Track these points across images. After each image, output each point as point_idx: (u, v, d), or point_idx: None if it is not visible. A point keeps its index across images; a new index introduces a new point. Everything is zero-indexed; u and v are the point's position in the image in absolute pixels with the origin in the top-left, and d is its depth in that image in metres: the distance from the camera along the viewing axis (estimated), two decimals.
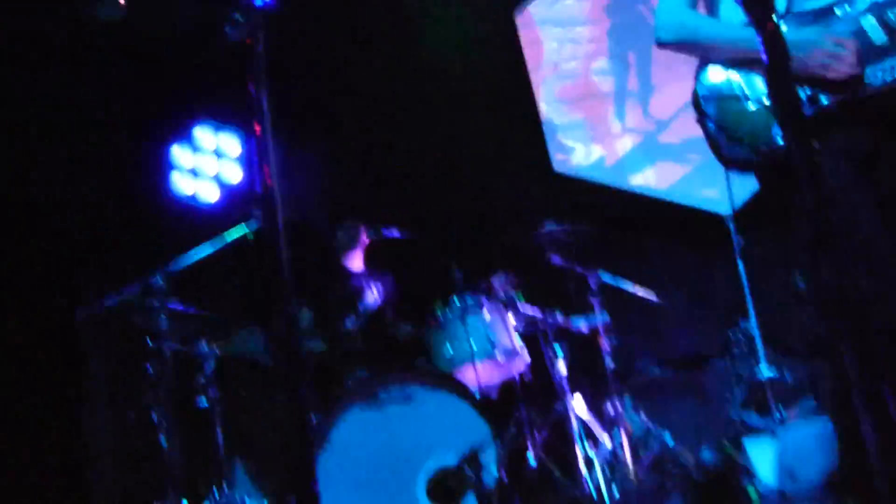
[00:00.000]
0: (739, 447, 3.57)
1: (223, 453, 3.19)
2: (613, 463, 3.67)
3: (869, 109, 2.08)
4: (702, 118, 2.30)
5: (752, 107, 2.16)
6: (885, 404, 1.50)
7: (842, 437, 2.44)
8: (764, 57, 1.37)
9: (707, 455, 3.26)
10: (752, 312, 4.61)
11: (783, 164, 2.04)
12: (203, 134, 5.11)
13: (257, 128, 2.03)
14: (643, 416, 4.01)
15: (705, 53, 2.27)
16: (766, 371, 4.27)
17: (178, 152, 5.03)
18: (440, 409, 3.29)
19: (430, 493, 3.10)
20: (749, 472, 3.19)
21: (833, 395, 2.46)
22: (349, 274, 4.26)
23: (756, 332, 4.50)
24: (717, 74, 2.23)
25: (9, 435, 4.40)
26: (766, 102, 2.13)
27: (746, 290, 4.73)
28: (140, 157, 5.03)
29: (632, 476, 3.64)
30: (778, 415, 3.99)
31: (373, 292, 4.24)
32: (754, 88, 2.17)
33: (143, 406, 3.27)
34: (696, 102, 2.27)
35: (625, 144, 5.75)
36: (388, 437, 3.17)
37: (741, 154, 2.26)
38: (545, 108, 5.87)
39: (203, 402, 3.30)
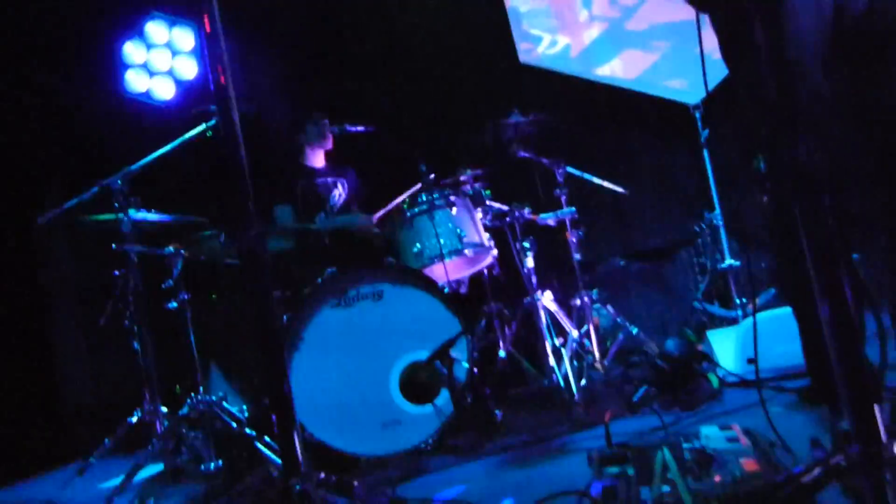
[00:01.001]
0: (702, 336, 3.69)
1: (197, 355, 3.21)
2: (581, 353, 3.78)
3: None
4: None
5: None
6: (841, 286, 1.54)
7: (801, 321, 2.53)
8: None
9: (670, 344, 3.35)
10: (716, 203, 4.67)
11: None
12: (156, 28, 4.88)
13: (207, 23, 1.93)
14: (610, 308, 4.10)
15: None
16: (729, 261, 4.37)
17: (131, 49, 4.81)
18: (410, 305, 3.32)
19: (403, 388, 3.17)
20: (710, 360, 3.30)
21: (789, 279, 2.53)
22: (313, 171, 4.20)
23: (720, 223, 4.57)
24: None
25: None
26: None
27: (711, 182, 4.78)
28: (92, 56, 4.81)
29: (598, 365, 3.77)
30: (739, 304, 4.11)
31: (338, 188, 4.20)
32: None
33: (113, 311, 3.26)
34: None
35: (591, 33, 5.62)
36: (360, 335, 3.21)
37: None
38: None
39: (173, 304, 3.29)
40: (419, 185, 3.81)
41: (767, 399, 2.87)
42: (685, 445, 2.30)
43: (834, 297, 1.55)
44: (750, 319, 3.73)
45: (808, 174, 1.57)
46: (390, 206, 4.05)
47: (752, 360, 3.26)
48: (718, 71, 2.47)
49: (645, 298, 4.97)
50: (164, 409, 3.20)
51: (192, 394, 3.16)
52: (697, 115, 4.89)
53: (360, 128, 4.13)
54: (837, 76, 2.16)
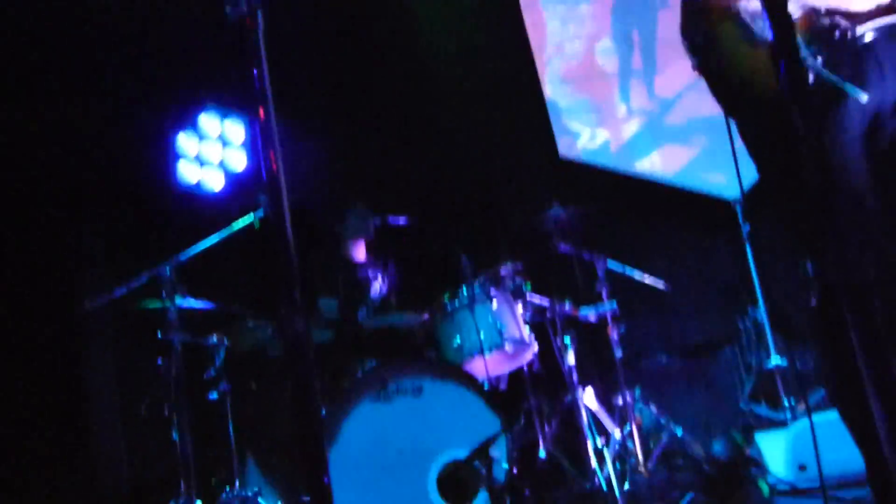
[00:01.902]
0: (750, 439, 3.57)
1: (235, 448, 3.19)
2: (624, 455, 3.68)
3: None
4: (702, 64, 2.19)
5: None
6: (894, 392, 1.49)
7: (851, 426, 2.43)
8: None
9: (717, 447, 3.26)
10: (760, 300, 4.60)
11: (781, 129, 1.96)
12: (208, 121, 5.06)
13: (261, 112, 2.00)
14: (653, 408, 4.00)
15: None
16: (775, 360, 4.26)
17: (184, 140, 4.99)
18: (450, 401, 3.28)
19: (441, 487, 3.11)
20: (760, 465, 3.19)
21: (838, 385, 2.44)
22: (354, 263, 4.23)
23: (765, 320, 4.49)
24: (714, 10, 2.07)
25: (19, 431, 4.41)
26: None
27: (755, 277, 4.72)
28: (145, 146, 4.99)
29: (642, 469, 3.65)
30: (788, 405, 3.99)
31: (378, 281, 4.23)
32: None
33: (154, 400, 3.27)
34: (692, 47, 2.16)
35: (630, 127, 5.71)
36: (399, 431, 3.17)
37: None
38: (550, 90, 5.82)
39: (214, 395, 3.30)
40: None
41: None
42: None
43: (888, 400, 1.50)
44: (800, 422, 3.61)
45: (856, 275, 1.55)
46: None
47: (804, 467, 3.15)
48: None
49: (689, 397, 4.85)
50: (199, 501, 3.16)
51: (228, 486, 3.13)
52: (738, 209, 4.88)
53: (401, 219, 4.18)
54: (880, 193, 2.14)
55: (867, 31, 1.90)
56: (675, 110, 5.58)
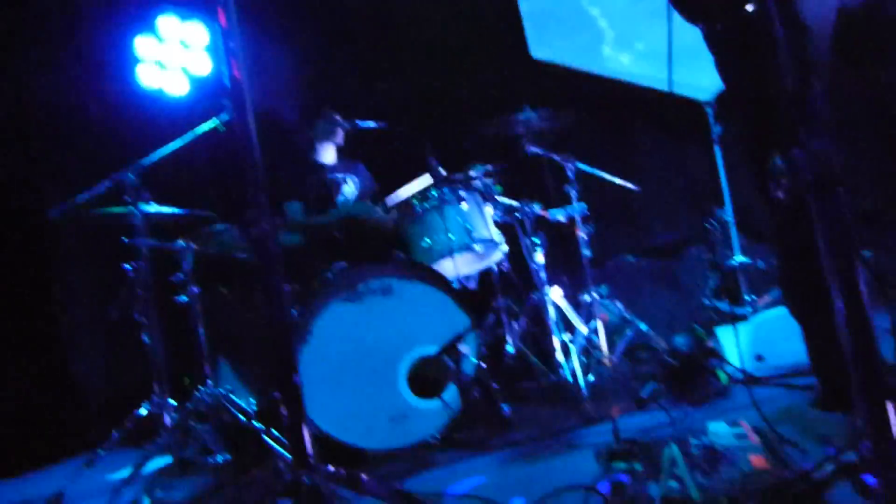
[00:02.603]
0: (711, 332, 3.67)
1: (206, 350, 3.22)
2: (589, 349, 3.78)
3: None
4: None
5: None
6: (857, 280, 1.53)
7: (806, 325, 2.51)
8: None
9: (679, 340, 3.35)
10: (728, 200, 4.65)
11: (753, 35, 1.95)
12: (167, 23, 4.88)
13: (222, 17, 1.94)
14: (619, 305, 4.09)
15: None
16: (738, 258, 4.35)
17: (142, 43, 4.82)
18: (419, 300, 3.32)
19: (411, 382, 3.18)
20: (719, 356, 3.29)
21: (794, 282, 2.50)
22: (323, 166, 4.21)
23: (731, 220, 4.55)
24: None
25: None
26: None
27: (723, 179, 4.76)
28: (103, 50, 4.83)
29: (606, 361, 3.76)
30: (749, 301, 4.09)
31: (348, 184, 4.21)
32: None
33: (124, 304, 3.28)
34: None
35: (603, 27, 5.61)
36: (369, 330, 3.22)
37: None
38: None
39: (183, 298, 3.31)
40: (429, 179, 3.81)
41: (778, 397, 2.87)
42: (693, 442, 2.29)
43: (850, 291, 1.54)
44: (760, 316, 3.71)
45: (825, 168, 1.57)
46: (398, 194, 4.05)
47: (761, 357, 3.26)
48: None
49: (654, 295, 4.95)
50: (173, 401, 3.21)
51: (201, 386, 3.18)
52: (709, 111, 4.87)
53: (370, 123, 4.13)
54: (844, 75, 2.14)
55: None
56: (649, 12, 5.48)
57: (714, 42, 2.36)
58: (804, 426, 2.34)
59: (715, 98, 4.87)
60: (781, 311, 3.32)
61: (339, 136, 4.21)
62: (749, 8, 1.99)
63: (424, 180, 3.79)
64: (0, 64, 4.68)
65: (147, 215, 3.32)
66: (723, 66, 2.44)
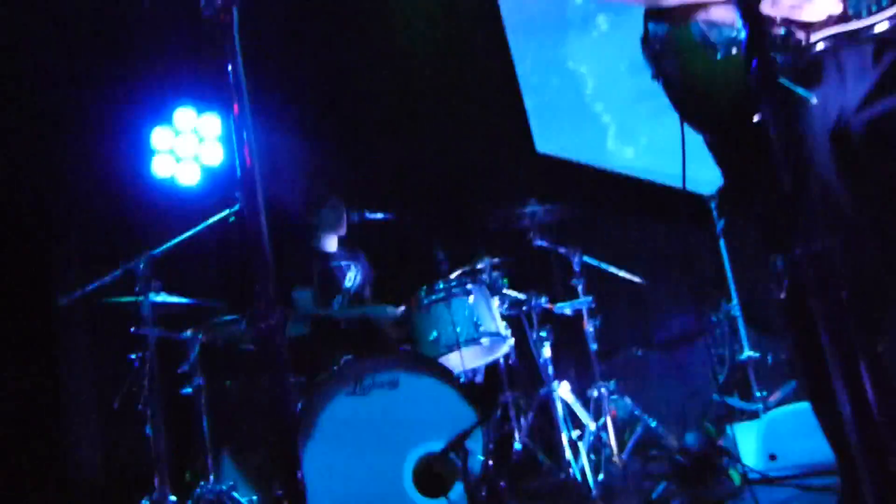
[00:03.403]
0: (722, 430, 3.61)
1: (209, 443, 3.18)
2: (598, 447, 3.70)
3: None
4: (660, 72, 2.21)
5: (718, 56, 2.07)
6: (862, 384, 1.51)
7: (820, 418, 2.47)
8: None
9: (690, 438, 3.29)
10: (734, 293, 4.65)
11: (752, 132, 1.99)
12: (184, 116, 5.03)
13: (236, 107, 2.00)
14: (628, 400, 4.03)
15: None
16: (747, 353, 4.31)
17: (159, 135, 4.96)
18: (426, 394, 3.29)
19: (417, 480, 3.11)
20: (732, 455, 3.22)
21: (808, 379, 2.47)
22: (327, 254, 4.23)
23: (738, 313, 4.54)
24: (674, 18, 2.08)
25: None
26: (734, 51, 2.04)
27: (728, 271, 4.77)
28: (120, 141, 4.95)
29: (616, 459, 3.68)
30: (760, 397, 4.04)
31: (352, 272, 4.23)
32: (721, 33, 2.07)
33: (128, 394, 3.25)
34: (651, 55, 2.18)
35: (606, 122, 5.74)
36: (374, 424, 3.17)
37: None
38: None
39: (188, 390, 3.28)
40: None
41: (795, 497, 2.80)
42: None
43: (854, 393, 1.52)
44: (772, 413, 3.66)
45: (824, 269, 1.57)
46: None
47: (774, 456, 3.19)
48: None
49: (663, 390, 4.89)
50: (174, 497, 3.14)
51: (203, 482, 3.12)
52: (713, 204, 4.92)
53: (378, 215, 4.18)
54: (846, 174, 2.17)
55: (821, 40, 1.94)
56: (652, 107, 5.62)
57: (718, 148, 2.41)
58: None
59: (717, 192, 4.93)
60: (794, 408, 3.28)
61: (344, 225, 4.24)
62: (756, 118, 2.05)
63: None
64: (18, 150, 4.79)
65: (155, 305, 3.33)
66: (725, 170, 2.48)
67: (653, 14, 2.15)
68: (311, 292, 3.99)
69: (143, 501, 3.13)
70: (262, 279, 1.95)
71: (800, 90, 1.94)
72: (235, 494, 3.08)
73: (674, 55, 2.10)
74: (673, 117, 2.36)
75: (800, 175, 1.63)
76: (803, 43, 1.96)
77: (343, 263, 4.23)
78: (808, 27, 1.95)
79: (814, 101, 1.96)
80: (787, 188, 1.63)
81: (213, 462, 3.16)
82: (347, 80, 5.56)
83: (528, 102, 5.81)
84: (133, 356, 3.29)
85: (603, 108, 5.79)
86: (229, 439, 3.51)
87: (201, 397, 3.25)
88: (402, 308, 3.92)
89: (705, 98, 2.17)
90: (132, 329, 3.30)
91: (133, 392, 3.27)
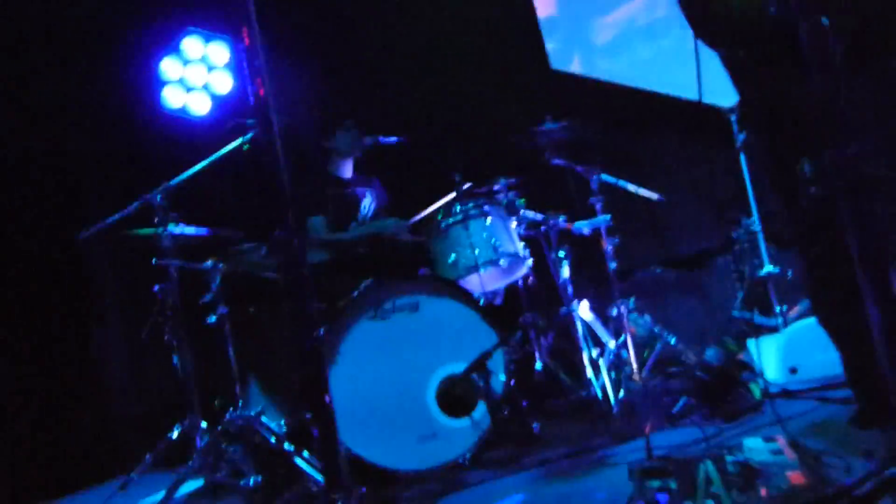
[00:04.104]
0: (742, 345, 3.63)
1: (236, 370, 3.24)
2: (618, 364, 3.74)
3: None
4: None
5: None
6: (891, 288, 1.50)
7: (840, 339, 2.46)
8: None
9: (710, 353, 3.31)
10: (754, 209, 4.60)
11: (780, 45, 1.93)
12: (191, 45, 4.94)
13: (245, 35, 1.95)
14: (647, 318, 4.05)
15: None
16: (767, 268, 4.29)
17: (168, 65, 4.89)
18: (447, 317, 3.32)
19: (440, 401, 3.17)
20: (752, 369, 3.25)
21: (825, 293, 2.45)
22: (342, 180, 4.20)
23: (758, 229, 4.50)
24: None
25: (21, 362, 4.47)
26: None
27: (749, 187, 4.70)
28: (129, 73, 4.89)
29: (636, 377, 3.72)
30: (780, 311, 4.04)
31: (367, 198, 4.21)
32: None
33: (155, 325, 3.30)
34: None
35: (624, 36, 5.59)
36: (397, 348, 3.22)
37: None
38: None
39: (212, 319, 3.32)
40: (453, 195, 3.81)
41: (813, 409, 2.83)
42: (728, 458, 2.26)
43: (885, 299, 1.51)
44: (792, 327, 3.66)
45: (857, 173, 1.55)
46: (424, 214, 4.06)
47: (795, 370, 3.21)
48: None
49: (683, 307, 4.90)
50: (204, 423, 3.22)
51: (231, 408, 3.19)
52: (732, 118, 4.81)
53: (392, 139, 4.14)
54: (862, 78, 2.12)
55: None
56: (669, 23, 5.45)
57: (734, 63, 2.34)
58: (842, 440, 2.30)
59: (737, 104, 4.82)
60: (813, 322, 3.27)
61: (360, 149, 4.20)
62: (772, 11, 1.97)
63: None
64: (30, 89, 4.75)
65: (175, 236, 3.35)
66: (740, 81, 2.42)
67: None
68: (324, 219, 3.99)
69: (175, 428, 3.22)
70: (281, 206, 1.94)
71: None
72: (264, 419, 3.15)
73: None
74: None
75: (831, 82, 1.58)
76: None
77: (358, 189, 4.21)
78: None
79: None
80: (819, 90, 1.59)
81: (240, 388, 3.23)
82: (359, 4, 5.43)
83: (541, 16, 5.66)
84: (156, 287, 3.33)
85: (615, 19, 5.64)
86: (256, 366, 3.58)
87: (226, 325, 3.29)
88: (412, 220, 3.93)
89: (722, 15, 2.10)
90: (154, 261, 3.33)
91: (159, 323, 3.32)
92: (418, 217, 4.04)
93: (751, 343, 3.56)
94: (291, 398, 3.50)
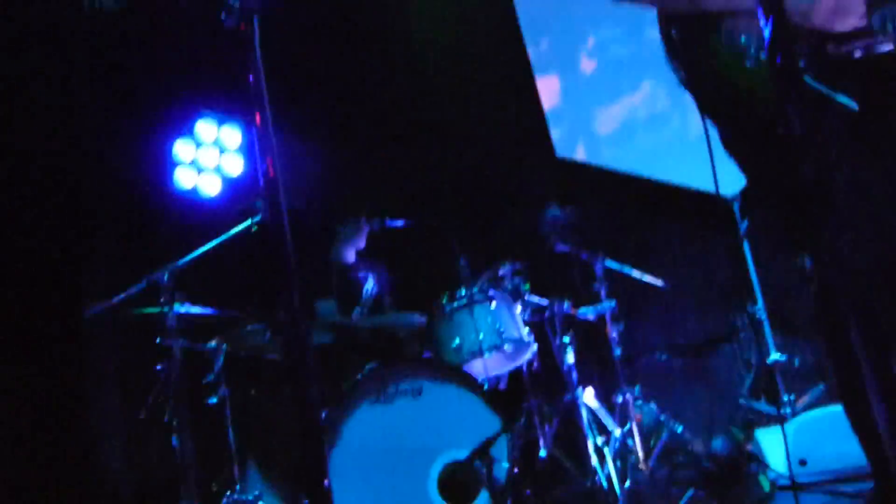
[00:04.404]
0: (750, 435, 3.57)
1: (235, 452, 3.19)
2: (624, 453, 3.68)
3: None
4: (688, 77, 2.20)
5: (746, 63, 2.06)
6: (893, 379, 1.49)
7: (855, 423, 2.43)
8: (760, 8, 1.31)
9: (717, 443, 3.26)
10: (759, 296, 4.61)
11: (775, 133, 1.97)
12: (205, 127, 5.07)
13: (258, 118, 2.00)
14: (653, 405, 4.01)
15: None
16: (774, 356, 4.27)
17: (181, 147, 5.00)
18: (450, 402, 3.29)
19: (442, 487, 3.11)
20: (760, 461, 3.19)
21: (840, 379, 2.44)
22: (346, 265, 4.24)
23: (764, 316, 4.49)
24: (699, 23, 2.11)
25: (16, 436, 4.41)
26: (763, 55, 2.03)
27: (753, 274, 4.72)
28: (143, 154, 5.00)
29: (643, 466, 3.65)
30: (788, 401, 3.99)
31: (369, 283, 4.23)
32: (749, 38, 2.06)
33: (154, 405, 3.27)
34: (678, 60, 2.17)
35: (627, 125, 5.72)
36: (399, 432, 3.17)
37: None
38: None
39: (213, 400, 3.30)
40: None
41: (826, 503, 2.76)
42: None
43: (889, 392, 1.50)
44: (800, 417, 3.61)
45: (854, 269, 1.55)
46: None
47: (804, 462, 3.15)
48: None
49: (689, 395, 4.85)
50: None
51: (229, 491, 3.13)
52: (735, 206, 4.87)
53: (399, 222, 4.19)
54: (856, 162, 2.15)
55: (856, 49, 1.92)
56: (672, 109, 5.59)
57: (743, 150, 2.39)
58: None
59: (741, 192, 4.89)
60: (823, 412, 3.24)
61: (364, 238, 4.26)
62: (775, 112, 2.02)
63: None
64: (43, 163, 4.84)
65: (180, 316, 3.35)
66: (749, 171, 2.45)
67: (674, 20, 2.13)
68: (335, 302, 4.01)
69: None
70: (286, 288, 1.96)
71: (842, 98, 1.92)
72: (262, 503, 3.09)
73: (702, 60, 2.08)
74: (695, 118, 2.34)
75: (823, 172, 1.61)
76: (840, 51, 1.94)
77: (361, 274, 4.24)
78: (839, 38, 1.93)
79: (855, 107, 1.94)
80: (810, 185, 1.61)
81: (239, 471, 3.17)
82: (366, 87, 5.58)
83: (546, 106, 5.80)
84: (159, 367, 3.31)
85: (620, 109, 5.77)
86: (255, 448, 3.52)
87: (227, 407, 3.26)
88: (425, 317, 3.93)
89: (738, 102, 2.15)
90: (158, 340, 3.32)
91: (159, 402, 3.29)
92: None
93: (759, 433, 3.50)
94: (290, 482, 3.43)
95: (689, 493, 3.06)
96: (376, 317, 4.04)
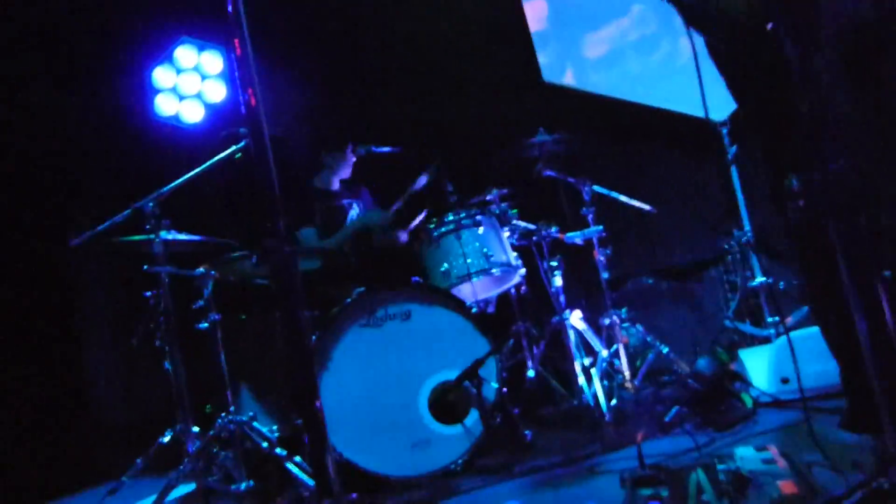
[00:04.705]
0: (734, 355, 3.64)
1: (227, 376, 3.22)
2: (611, 373, 3.75)
3: None
4: None
5: None
6: (879, 302, 1.51)
7: (834, 344, 2.48)
8: None
9: (702, 363, 3.32)
10: (746, 221, 4.63)
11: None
12: (185, 53, 4.96)
13: (237, 46, 1.96)
14: (639, 327, 4.06)
15: None
16: (759, 279, 4.32)
17: (161, 74, 4.90)
18: (439, 325, 3.32)
19: (433, 408, 3.17)
20: (743, 379, 3.25)
21: (820, 302, 2.47)
22: (329, 193, 4.22)
23: (750, 240, 4.53)
24: None
25: (11, 366, 4.44)
26: None
27: (740, 199, 4.74)
28: (123, 81, 4.90)
29: (629, 385, 3.73)
30: (772, 322, 4.06)
31: (354, 209, 4.22)
32: None
33: (145, 331, 3.29)
34: None
35: (615, 49, 5.63)
36: (389, 356, 3.22)
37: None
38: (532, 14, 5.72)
39: (204, 325, 3.31)
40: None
41: (803, 420, 2.83)
42: (720, 467, 2.26)
43: (872, 313, 1.53)
44: (783, 338, 3.67)
45: (843, 191, 1.56)
46: (401, 202, 4.05)
47: (787, 380, 3.22)
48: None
49: (675, 317, 4.92)
50: (196, 428, 3.21)
51: (223, 413, 3.17)
52: (724, 131, 4.85)
53: (386, 148, 4.15)
54: (856, 90, 2.13)
55: None
56: (663, 34, 5.50)
57: (723, 59, 2.35)
58: (833, 450, 2.30)
59: (729, 117, 4.86)
60: (805, 333, 3.29)
61: (349, 168, 4.23)
62: (769, 27, 1.99)
63: None
64: (24, 95, 4.75)
65: (167, 243, 3.34)
66: (736, 86, 2.43)
67: None
68: (315, 230, 4.00)
69: (167, 433, 3.20)
70: (271, 215, 1.94)
71: None
72: (256, 424, 3.14)
73: None
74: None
75: (818, 94, 1.59)
76: None
77: (345, 202, 4.23)
78: None
79: None
80: (806, 108, 1.60)
81: (232, 394, 3.21)
82: (351, 16, 5.45)
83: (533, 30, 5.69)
84: (148, 294, 3.31)
85: (609, 32, 5.68)
86: (247, 372, 3.56)
87: (217, 332, 3.28)
88: (392, 210, 3.93)
89: (734, 19, 2.11)
90: (145, 267, 3.31)
91: (150, 329, 3.30)
92: (396, 206, 4.04)
93: (743, 353, 3.57)
94: (283, 404, 3.49)
95: (674, 410, 3.13)
96: (347, 228, 4.02)
